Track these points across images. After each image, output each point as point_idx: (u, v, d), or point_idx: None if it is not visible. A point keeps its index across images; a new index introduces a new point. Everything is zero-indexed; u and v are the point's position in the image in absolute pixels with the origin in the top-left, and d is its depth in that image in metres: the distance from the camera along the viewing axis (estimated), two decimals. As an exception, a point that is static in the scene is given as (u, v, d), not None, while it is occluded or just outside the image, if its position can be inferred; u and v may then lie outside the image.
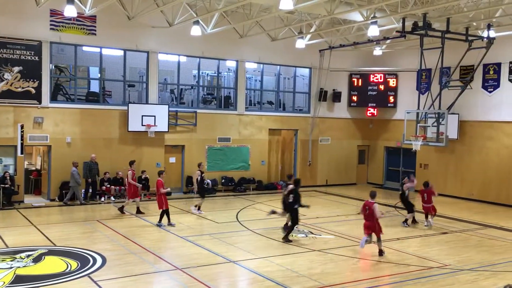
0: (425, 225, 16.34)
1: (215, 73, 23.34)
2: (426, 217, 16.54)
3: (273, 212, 15.22)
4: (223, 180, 22.81)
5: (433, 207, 16.38)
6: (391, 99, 25.67)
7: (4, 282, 9.90)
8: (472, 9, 17.44)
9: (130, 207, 17.69)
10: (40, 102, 18.95)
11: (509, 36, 19.73)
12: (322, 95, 24.90)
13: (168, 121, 21.01)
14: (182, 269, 11.06)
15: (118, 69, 21.01)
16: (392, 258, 12.49)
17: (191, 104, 23.12)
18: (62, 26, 19.13)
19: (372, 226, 12.75)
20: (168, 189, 15.84)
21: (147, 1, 19.14)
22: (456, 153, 22.66)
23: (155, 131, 20.65)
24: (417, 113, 18.93)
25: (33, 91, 18.79)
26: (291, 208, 14.16)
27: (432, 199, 16.26)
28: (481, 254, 13.13)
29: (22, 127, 17.90)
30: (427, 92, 19.73)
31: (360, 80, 25.91)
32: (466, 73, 21.53)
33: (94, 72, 21.96)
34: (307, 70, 25.30)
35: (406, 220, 16.55)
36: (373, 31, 18.33)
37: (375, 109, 25.96)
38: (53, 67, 19.93)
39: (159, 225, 15.38)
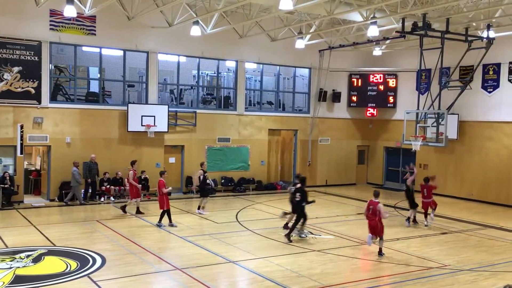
0: (425, 225, 16.38)
1: (214, 73, 23.34)
2: (426, 216, 16.59)
3: (285, 214, 15.20)
4: (222, 180, 22.81)
5: (434, 202, 16.52)
6: (391, 99, 25.67)
7: (4, 282, 9.90)
8: (472, 10, 17.44)
9: (130, 207, 17.69)
10: (39, 102, 18.95)
11: (508, 37, 19.74)
12: (322, 95, 24.90)
13: (168, 121, 21.02)
14: (181, 269, 11.06)
15: (118, 69, 21.01)
16: (392, 258, 12.49)
17: (191, 104, 23.12)
18: (62, 26, 19.13)
19: (374, 226, 12.74)
20: (170, 189, 15.86)
21: (147, 1, 19.14)
22: (455, 153, 22.67)
23: (155, 131, 20.65)
24: (417, 113, 18.93)
25: (33, 91, 18.79)
26: (298, 206, 14.26)
27: (432, 194, 16.41)
28: (481, 254, 13.14)
29: (21, 127, 17.90)
30: (427, 92, 19.73)
31: (359, 80, 25.92)
32: (466, 73, 21.54)
33: (94, 72, 21.96)
34: (306, 70, 25.30)
35: (408, 218, 16.60)
36: (373, 32, 18.33)
37: (375, 109, 25.97)
38: (52, 67, 19.93)
39: (159, 225, 15.38)
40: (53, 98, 19.61)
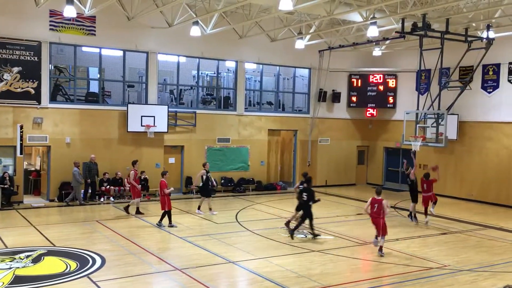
0: (425, 222, 16.53)
1: (214, 73, 23.34)
2: (426, 213, 16.75)
3: (288, 222, 15.17)
4: (222, 181, 22.80)
5: (434, 195, 16.78)
6: (391, 99, 25.67)
7: (4, 283, 9.90)
8: (472, 10, 17.45)
9: (132, 208, 17.68)
10: (39, 103, 18.95)
11: (508, 37, 19.75)
12: (322, 96, 24.90)
13: (168, 121, 21.01)
14: (181, 270, 11.06)
15: (118, 69, 21.01)
16: (391, 259, 12.49)
17: (191, 105, 23.12)
18: (62, 26, 19.13)
19: (378, 223, 12.83)
20: (172, 189, 15.87)
21: (147, 1, 19.14)
22: (455, 154, 22.67)
23: (155, 132, 20.65)
24: (417, 114, 18.93)
25: (33, 91, 18.79)
26: (305, 206, 14.43)
27: (432, 188, 16.66)
28: (481, 255, 13.13)
29: (21, 127, 17.89)
30: (427, 93, 19.72)
31: (359, 80, 25.92)
32: (466, 73, 21.54)
33: (94, 72, 21.95)
34: (306, 71, 25.30)
35: (411, 214, 16.90)
36: (373, 32, 18.34)
37: (375, 110, 25.97)
38: (52, 68, 19.92)
39: (159, 224, 15.38)
40: (52, 99, 19.61)
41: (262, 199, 21.30)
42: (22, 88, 18.61)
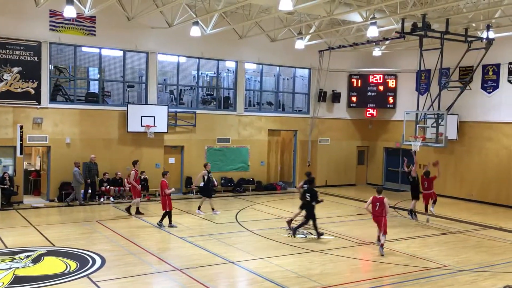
0: (426, 220, 16.74)
1: (214, 73, 23.34)
2: (426, 210, 16.95)
3: (290, 221, 15.19)
4: (222, 181, 22.79)
5: (434, 193, 16.93)
6: (391, 99, 25.67)
7: (3, 283, 9.90)
8: (471, 10, 17.45)
9: (131, 208, 17.70)
10: (39, 103, 18.95)
11: (508, 37, 19.76)
12: (322, 96, 24.91)
13: (168, 121, 21.02)
14: (181, 270, 11.06)
15: (118, 69, 21.02)
16: (391, 259, 12.49)
17: (191, 105, 23.12)
18: (62, 26, 19.13)
19: (379, 221, 13.01)
20: (173, 189, 15.87)
21: (147, 1, 19.15)
22: (455, 154, 22.67)
23: (155, 132, 20.65)
24: (417, 114, 18.93)
25: (33, 91, 18.79)
26: (308, 206, 14.49)
27: (432, 185, 16.86)
28: (480, 255, 13.14)
29: (21, 127, 17.89)
30: (427, 93, 19.73)
31: (359, 80, 25.92)
32: (466, 74, 21.55)
33: (94, 72, 21.95)
34: (306, 71, 25.31)
35: (411, 211, 17.10)
36: (373, 32, 18.34)
37: (375, 110, 25.97)
38: (52, 68, 19.92)
39: (159, 224, 15.37)
40: (52, 99, 19.61)
41: (262, 199, 21.30)
42: (22, 88, 18.61)
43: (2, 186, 17.95)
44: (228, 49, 22.61)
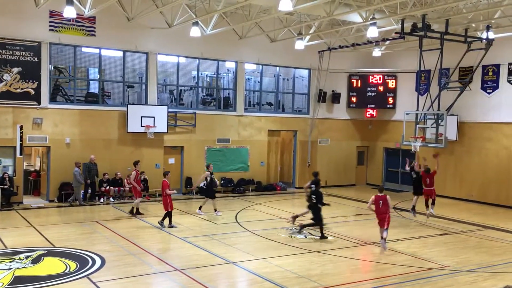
0: (427, 216, 17.14)
1: (214, 74, 23.34)
2: (427, 205, 17.25)
3: (296, 217, 15.24)
4: (222, 181, 22.77)
5: (434, 191, 17.26)
6: (390, 100, 25.67)
7: (3, 283, 9.89)
8: (471, 11, 17.46)
9: (129, 208, 17.70)
10: (39, 103, 18.95)
11: (508, 38, 19.77)
12: (321, 96, 24.91)
13: (167, 122, 21.02)
14: (181, 270, 11.06)
15: (118, 70, 21.02)
16: (391, 259, 12.49)
17: (190, 105, 23.12)
18: (62, 27, 19.13)
19: (383, 219, 13.27)
20: (174, 191, 15.85)
21: (147, 2, 19.15)
22: (455, 154, 22.67)
23: (154, 132, 20.65)
24: (416, 114, 18.94)
25: (32, 92, 18.79)
26: (315, 208, 14.54)
27: (434, 182, 17.25)
28: (480, 255, 13.14)
29: (21, 128, 17.89)
30: (426, 93, 19.74)
31: (359, 81, 25.92)
32: (465, 74, 21.55)
33: (93, 73, 21.96)
34: (306, 71, 25.31)
35: (414, 208, 17.51)
36: (372, 32, 18.36)
37: (374, 110, 25.97)
38: (52, 68, 19.91)
39: (160, 224, 15.36)
40: (52, 99, 19.60)
41: (261, 200, 21.30)
42: (22, 89, 18.61)
43: (2, 186, 17.95)
44: (228, 49, 22.61)
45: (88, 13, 17.99)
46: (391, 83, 25.63)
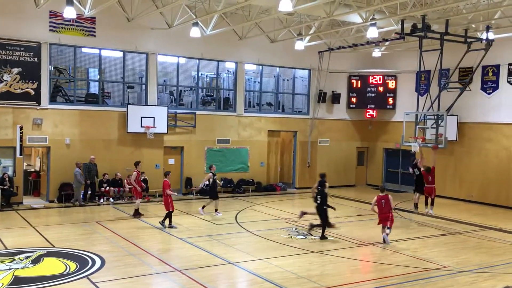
0: (426, 212, 17.79)
1: (214, 74, 23.35)
2: (426, 203, 17.90)
3: (304, 214, 15.27)
4: (222, 182, 22.74)
5: (435, 189, 17.85)
6: (390, 100, 25.67)
7: (3, 284, 9.89)
8: (471, 11, 17.47)
9: (130, 209, 17.71)
10: (39, 104, 18.95)
11: (508, 38, 19.78)
12: (321, 97, 24.91)
13: (167, 122, 21.02)
14: (181, 271, 11.06)
15: (117, 70, 21.02)
16: (391, 260, 12.49)
17: (190, 106, 23.13)
18: (62, 27, 19.14)
19: (387, 218, 13.72)
20: (175, 193, 15.83)
21: (147, 2, 19.16)
22: (455, 155, 22.67)
23: (154, 133, 20.66)
24: (416, 115, 18.95)
25: (32, 92, 18.79)
26: (320, 209, 14.63)
27: (435, 179, 17.83)
28: (480, 256, 13.13)
29: (21, 128, 17.89)
30: (426, 94, 19.76)
31: (359, 81, 25.92)
32: (465, 74, 21.55)
33: (93, 73, 21.96)
34: (306, 72, 25.31)
35: (416, 205, 18.23)
36: (372, 33, 18.37)
37: (374, 111, 25.97)
38: (52, 69, 19.92)
39: (161, 223, 15.35)
40: (52, 99, 19.61)
41: (261, 200, 21.30)
42: (22, 89, 18.61)
43: (2, 187, 17.95)
44: (228, 50, 22.62)
45: (88, 14, 17.99)
46: (391, 84, 25.63)
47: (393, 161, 26.17)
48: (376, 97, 25.75)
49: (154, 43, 21.01)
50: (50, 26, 18.94)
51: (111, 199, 19.77)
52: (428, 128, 18.78)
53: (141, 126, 20.32)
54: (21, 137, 17.83)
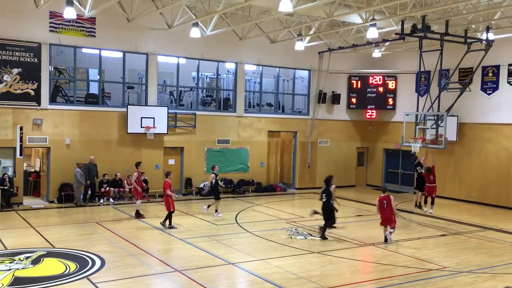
0: (430, 212, 17.94)
1: (214, 75, 23.36)
2: (425, 201, 18.15)
3: (315, 213, 15.30)
4: (222, 182, 22.72)
5: (435, 188, 18.01)
6: (390, 101, 25.67)
7: (3, 284, 9.90)
8: (471, 12, 17.47)
9: (130, 209, 17.70)
10: (39, 104, 18.95)
11: (508, 39, 19.78)
12: (321, 97, 24.92)
13: (167, 123, 21.02)
14: (181, 271, 11.06)
15: (117, 71, 21.03)
16: (391, 260, 12.49)
17: (190, 106, 23.13)
18: (62, 28, 19.14)
19: (390, 218, 13.86)
20: (175, 195, 15.82)
21: (147, 3, 19.16)
22: (455, 155, 22.67)
23: (154, 133, 20.66)
24: (416, 115, 18.95)
25: (32, 92, 18.80)
26: (325, 208, 14.69)
27: (435, 178, 17.96)
28: (480, 256, 13.13)
29: (21, 128, 17.89)
30: (426, 94, 19.75)
31: (359, 82, 25.92)
32: (465, 75, 21.55)
33: (94, 74, 21.98)
34: (306, 72, 25.32)
35: (420, 204, 18.39)
36: (372, 34, 18.38)
37: (374, 111, 25.97)
38: (52, 69, 19.93)
39: (162, 224, 15.34)
40: (52, 100, 19.61)
41: (261, 201, 21.29)
42: (22, 90, 18.62)
43: (2, 187, 17.95)
44: (228, 50, 22.63)
45: (88, 14, 18.00)
46: (391, 84, 25.63)
47: (393, 162, 26.17)
48: (376, 97, 25.75)
49: (154, 44, 21.01)
50: (50, 26, 18.95)
51: (111, 200, 19.76)
52: (428, 128, 18.79)
53: (141, 127, 20.32)
54: (21, 138, 17.83)
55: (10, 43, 18.32)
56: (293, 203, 22.11)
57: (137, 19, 19.39)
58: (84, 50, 20.41)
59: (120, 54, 20.66)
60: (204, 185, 18.18)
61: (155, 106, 21.16)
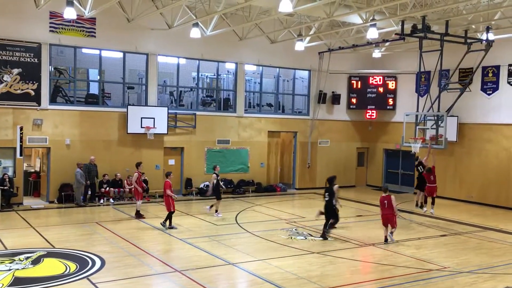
0: (430, 212, 17.89)
1: (214, 75, 23.36)
2: (425, 201, 18.16)
3: (321, 213, 15.32)
4: (222, 182, 22.71)
5: (436, 188, 18.02)
6: (390, 101, 25.68)
7: (3, 284, 9.90)
8: (471, 12, 17.47)
9: (130, 209, 17.69)
10: (39, 104, 18.96)
11: (508, 39, 19.78)
12: (321, 98, 24.92)
13: (168, 123, 21.03)
14: (181, 271, 11.06)
15: (118, 71, 21.03)
16: (391, 261, 12.49)
17: (190, 106, 23.14)
18: (62, 28, 19.15)
19: (390, 218, 13.87)
20: (175, 196, 15.83)
21: (147, 3, 19.17)
22: (455, 156, 22.67)
23: (154, 133, 20.66)
24: (416, 116, 18.94)
25: (33, 93, 18.80)
26: (328, 207, 14.72)
27: (436, 178, 17.96)
28: (480, 257, 13.13)
29: (21, 129, 17.89)
30: (426, 95, 19.75)
31: (359, 82, 25.93)
32: (465, 75, 21.55)
33: (94, 74, 21.98)
34: (306, 73, 25.33)
35: (422, 204, 18.41)
36: (372, 34, 18.38)
37: (374, 112, 25.97)
38: (52, 69, 19.94)
39: (163, 224, 15.34)
40: (52, 100, 19.61)
41: (261, 201, 21.29)
42: (22, 90, 18.62)
43: (2, 187, 17.96)
44: (228, 50, 22.63)
45: (88, 14, 18.01)
46: (391, 84, 25.64)
47: (393, 162, 26.17)
48: (376, 97, 25.76)
49: (154, 44, 21.02)
50: (50, 26, 18.95)
51: (111, 200, 19.76)
52: (428, 128, 18.76)
53: (141, 127, 20.32)
54: (21, 138, 17.83)
55: (10, 43, 18.33)
56: (293, 204, 22.11)
57: (137, 19, 19.40)
58: (84, 50, 20.42)
59: (120, 54, 20.67)
60: (206, 186, 18.16)
61: (155, 106, 21.17)
